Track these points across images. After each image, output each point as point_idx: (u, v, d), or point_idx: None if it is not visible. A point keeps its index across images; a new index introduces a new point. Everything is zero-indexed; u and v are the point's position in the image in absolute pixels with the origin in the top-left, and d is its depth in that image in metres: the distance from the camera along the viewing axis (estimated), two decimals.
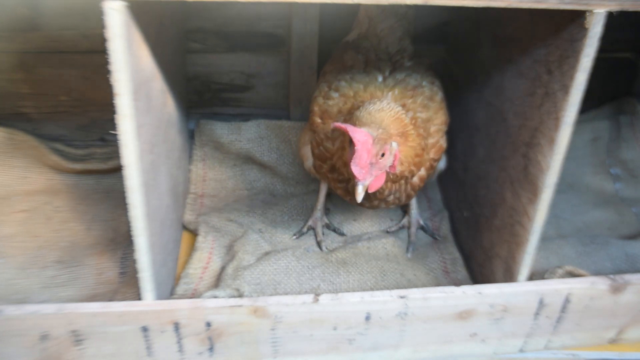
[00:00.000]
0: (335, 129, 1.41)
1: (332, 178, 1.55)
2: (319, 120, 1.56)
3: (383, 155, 1.32)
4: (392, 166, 1.38)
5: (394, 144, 1.35)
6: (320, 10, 1.98)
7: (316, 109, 1.58)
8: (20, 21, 1.85)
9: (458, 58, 1.94)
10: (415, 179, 1.53)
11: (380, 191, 1.46)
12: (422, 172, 1.54)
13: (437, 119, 1.55)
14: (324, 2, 1.05)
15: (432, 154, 1.54)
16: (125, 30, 1.02)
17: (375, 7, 1.71)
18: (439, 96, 1.58)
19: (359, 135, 1.25)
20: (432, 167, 1.57)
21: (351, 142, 1.29)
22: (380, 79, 1.56)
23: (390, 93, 1.51)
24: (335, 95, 1.55)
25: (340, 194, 1.59)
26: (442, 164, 1.75)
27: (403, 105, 1.47)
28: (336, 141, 1.49)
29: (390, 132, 1.33)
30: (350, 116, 1.42)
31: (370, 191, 1.37)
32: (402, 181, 1.49)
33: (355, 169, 1.27)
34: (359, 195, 1.30)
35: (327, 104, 1.55)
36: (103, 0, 0.97)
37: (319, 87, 1.63)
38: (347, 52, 1.67)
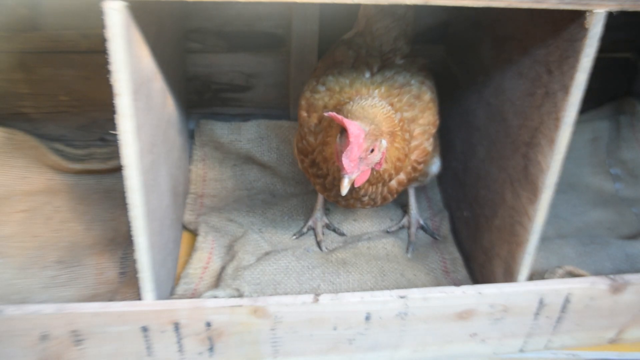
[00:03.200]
0: (330, 119, 1.39)
1: (312, 173, 1.56)
2: (304, 114, 1.56)
3: (372, 151, 1.31)
4: (379, 163, 1.37)
5: (384, 142, 1.34)
6: (320, 10, 1.98)
7: (303, 102, 1.58)
8: (20, 21, 1.85)
9: (458, 58, 1.94)
10: (393, 183, 1.52)
11: (356, 190, 1.46)
12: (402, 176, 1.52)
13: (423, 119, 1.53)
14: (324, 2, 1.05)
15: (414, 156, 1.52)
16: (125, 30, 1.02)
17: (373, 6, 1.70)
18: (427, 96, 1.56)
19: (353, 127, 1.24)
20: (415, 170, 1.54)
21: (342, 134, 1.28)
22: (367, 75, 1.55)
23: (376, 90, 1.50)
24: (322, 89, 1.55)
25: (318, 189, 1.59)
26: (435, 168, 1.75)
27: (391, 105, 1.45)
28: (318, 135, 1.49)
29: (382, 129, 1.33)
30: (337, 111, 1.40)
31: (355, 185, 1.37)
32: (380, 184, 1.48)
33: (345, 161, 1.26)
34: (345, 189, 1.29)
35: (314, 97, 1.55)
36: (103, 0, 0.97)
37: (308, 82, 1.63)
38: (339, 48, 1.67)
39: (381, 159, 1.37)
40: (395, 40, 1.67)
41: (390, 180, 1.48)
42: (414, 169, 1.54)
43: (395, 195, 1.56)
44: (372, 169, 1.39)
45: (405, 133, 1.45)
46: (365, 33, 1.70)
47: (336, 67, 1.58)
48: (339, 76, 1.55)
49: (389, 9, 1.70)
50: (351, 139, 1.24)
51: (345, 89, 1.51)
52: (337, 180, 1.46)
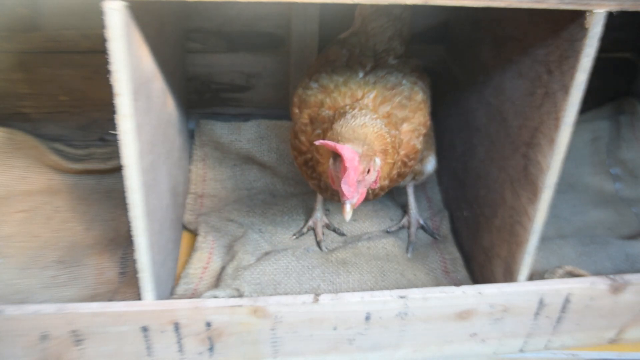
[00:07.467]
0: (321, 146, 1.36)
1: (305, 171, 1.56)
2: (297, 111, 1.57)
3: (368, 171, 1.28)
4: (375, 182, 1.35)
5: (378, 160, 1.32)
6: (320, 10, 1.98)
7: (295, 99, 1.59)
8: (20, 21, 1.85)
9: (458, 58, 1.94)
10: (385, 181, 1.50)
11: None
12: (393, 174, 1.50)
13: (415, 119, 1.52)
14: (324, 2, 1.05)
15: (403, 151, 1.50)
16: (125, 30, 1.02)
17: (370, 6, 1.70)
18: (419, 97, 1.55)
19: (347, 152, 1.21)
20: (405, 165, 1.52)
21: (335, 159, 1.25)
22: (361, 74, 1.54)
23: (370, 94, 1.48)
24: (314, 85, 1.55)
25: (314, 188, 1.59)
26: (430, 167, 1.75)
27: (385, 117, 1.43)
28: (310, 136, 1.49)
29: (375, 148, 1.30)
30: (326, 133, 1.38)
31: (355, 207, 1.32)
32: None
33: (344, 187, 1.23)
34: (348, 215, 1.26)
35: (305, 93, 1.55)
36: (103, 0, 0.97)
37: (301, 80, 1.63)
38: (332, 47, 1.67)
39: (377, 177, 1.34)
40: (390, 40, 1.67)
41: (385, 191, 1.49)
42: (404, 164, 1.52)
43: (387, 190, 1.55)
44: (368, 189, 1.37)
45: (394, 142, 1.42)
46: (360, 33, 1.70)
47: (329, 65, 1.58)
48: (332, 74, 1.54)
49: (385, 9, 1.69)
50: (347, 163, 1.20)
51: (339, 87, 1.51)
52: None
